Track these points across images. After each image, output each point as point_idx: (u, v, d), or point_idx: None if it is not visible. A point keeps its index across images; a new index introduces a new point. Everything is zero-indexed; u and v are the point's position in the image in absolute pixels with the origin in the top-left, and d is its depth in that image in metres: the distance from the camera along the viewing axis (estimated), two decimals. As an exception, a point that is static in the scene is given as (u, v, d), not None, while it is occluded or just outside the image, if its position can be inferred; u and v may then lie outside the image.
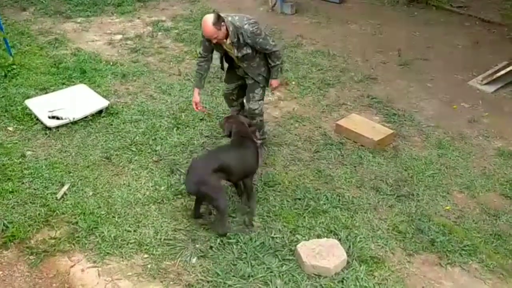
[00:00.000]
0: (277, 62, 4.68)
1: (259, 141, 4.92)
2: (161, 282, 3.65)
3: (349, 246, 3.94)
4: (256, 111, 4.87)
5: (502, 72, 6.56)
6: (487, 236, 4.17)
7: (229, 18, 4.42)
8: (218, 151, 4.50)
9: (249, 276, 3.68)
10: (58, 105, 5.50)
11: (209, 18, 4.28)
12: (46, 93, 5.93)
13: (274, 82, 4.82)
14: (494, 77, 6.58)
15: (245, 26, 4.40)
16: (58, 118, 5.32)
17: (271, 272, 3.72)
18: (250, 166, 4.28)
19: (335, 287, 3.63)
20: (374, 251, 3.96)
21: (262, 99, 4.91)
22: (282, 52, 4.56)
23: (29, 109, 5.49)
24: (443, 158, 5.12)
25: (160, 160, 4.90)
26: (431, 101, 6.22)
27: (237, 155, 4.20)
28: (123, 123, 5.44)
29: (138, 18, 8.46)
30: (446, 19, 8.74)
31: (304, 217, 4.26)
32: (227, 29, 4.38)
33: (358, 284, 3.64)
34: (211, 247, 3.92)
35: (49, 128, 5.24)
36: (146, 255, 3.85)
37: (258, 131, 4.96)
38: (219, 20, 4.30)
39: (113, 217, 4.18)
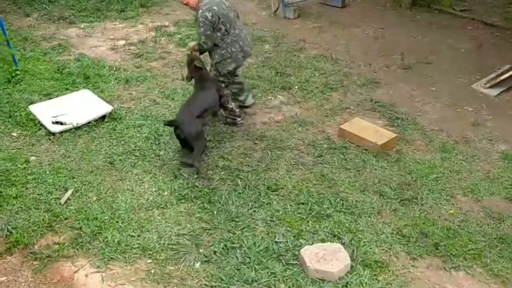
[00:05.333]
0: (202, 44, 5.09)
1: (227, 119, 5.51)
2: (165, 287, 3.64)
3: (353, 250, 3.93)
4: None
5: (506, 75, 6.55)
6: (491, 240, 4.16)
7: None
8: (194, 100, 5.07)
9: (253, 281, 3.67)
10: (61, 111, 5.51)
11: None
12: (50, 98, 5.94)
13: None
14: (498, 80, 6.57)
15: (200, 11, 4.89)
16: (61, 124, 5.33)
17: (275, 276, 3.71)
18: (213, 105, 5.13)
19: (339, 292, 3.62)
20: (378, 255, 3.95)
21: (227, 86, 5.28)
22: (204, 39, 5.08)
23: (33, 115, 5.50)
24: (447, 162, 5.11)
25: (164, 165, 4.90)
26: (434, 104, 6.21)
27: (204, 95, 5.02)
28: (126, 128, 5.45)
29: (141, 23, 8.49)
30: (449, 23, 8.75)
31: (308, 221, 4.25)
32: (198, 1, 4.95)
33: (362, 288, 3.63)
34: (214, 252, 3.91)
35: (53, 134, 5.26)
36: (149, 260, 3.85)
37: (223, 107, 5.41)
38: None
39: (117, 222, 4.18)
